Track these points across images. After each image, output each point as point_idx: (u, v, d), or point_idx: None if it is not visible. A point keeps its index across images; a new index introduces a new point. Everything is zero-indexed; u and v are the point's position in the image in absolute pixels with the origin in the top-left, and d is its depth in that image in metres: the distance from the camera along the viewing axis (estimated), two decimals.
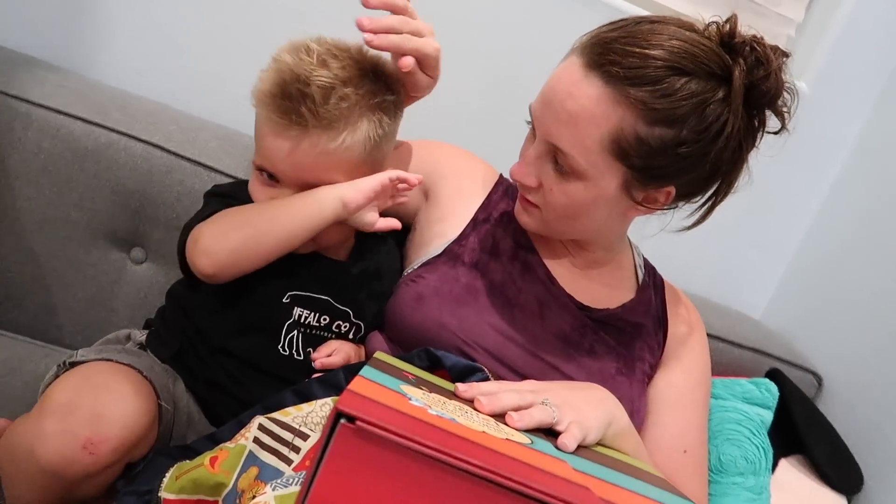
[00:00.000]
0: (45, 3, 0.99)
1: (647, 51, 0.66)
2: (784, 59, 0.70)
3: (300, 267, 0.76)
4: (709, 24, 0.70)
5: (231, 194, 0.78)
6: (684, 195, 0.74)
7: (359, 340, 0.81)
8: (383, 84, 0.72)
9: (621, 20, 0.71)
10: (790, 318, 1.28)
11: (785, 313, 1.30)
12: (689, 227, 0.78)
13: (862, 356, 1.12)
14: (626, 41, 0.67)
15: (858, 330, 1.14)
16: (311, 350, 0.76)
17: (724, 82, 0.67)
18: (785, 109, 0.72)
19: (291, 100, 0.67)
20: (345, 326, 0.79)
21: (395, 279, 0.83)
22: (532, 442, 0.51)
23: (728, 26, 0.68)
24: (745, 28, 0.70)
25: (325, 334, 0.78)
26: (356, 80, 0.69)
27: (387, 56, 0.75)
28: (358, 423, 0.37)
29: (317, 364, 0.75)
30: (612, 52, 0.66)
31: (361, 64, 0.71)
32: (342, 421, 0.38)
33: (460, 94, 1.10)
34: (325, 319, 0.77)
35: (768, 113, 0.72)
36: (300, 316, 0.76)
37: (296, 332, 0.76)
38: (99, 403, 0.59)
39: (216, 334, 0.75)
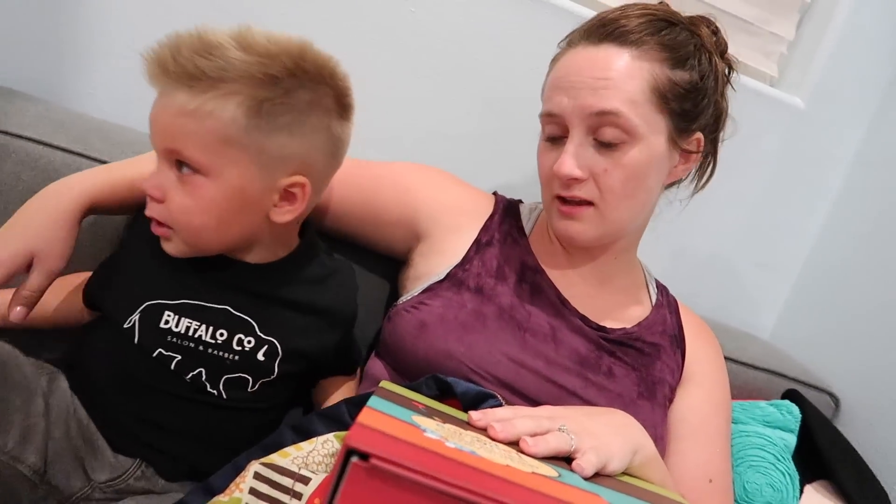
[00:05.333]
0: (24, 35, 0.96)
1: (642, 12, 0.73)
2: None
3: (186, 273, 0.67)
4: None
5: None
6: (706, 140, 0.78)
7: (284, 367, 0.70)
8: (301, 95, 0.62)
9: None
10: (800, 338, 1.24)
11: (794, 333, 1.26)
12: (702, 187, 0.83)
13: (878, 374, 1.08)
14: (619, 13, 0.73)
15: (872, 347, 1.11)
16: (204, 371, 0.67)
17: (694, 34, 0.75)
18: (732, 58, 0.80)
19: (169, 47, 0.60)
20: (248, 342, 0.68)
21: (345, 304, 0.74)
22: (559, 475, 0.47)
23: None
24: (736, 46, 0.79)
25: (221, 353, 0.67)
26: (263, 65, 0.60)
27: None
28: (372, 460, 0.33)
29: None
30: (614, 23, 0.71)
31: (292, 69, 0.61)
32: (354, 458, 0.33)
33: (452, 116, 1.08)
34: (222, 334, 0.67)
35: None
36: (188, 329, 0.67)
37: (181, 345, 0.66)
38: None
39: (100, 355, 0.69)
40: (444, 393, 0.62)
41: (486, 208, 0.83)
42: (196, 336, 0.67)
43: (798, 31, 1.22)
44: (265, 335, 0.68)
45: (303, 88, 0.62)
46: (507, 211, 0.83)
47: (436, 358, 0.70)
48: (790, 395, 1.04)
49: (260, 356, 0.68)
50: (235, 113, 0.60)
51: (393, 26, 1.04)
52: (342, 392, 0.81)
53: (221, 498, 0.54)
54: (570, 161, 0.70)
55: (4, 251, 0.64)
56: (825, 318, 1.22)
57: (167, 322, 0.66)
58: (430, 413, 0.52)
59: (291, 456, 0.56)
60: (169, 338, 0.66)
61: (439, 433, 0.44)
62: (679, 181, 0.83)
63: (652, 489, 0.59)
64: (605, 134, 0.70)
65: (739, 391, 1.03)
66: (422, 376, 0.65)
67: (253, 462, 0.56)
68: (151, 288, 0.67)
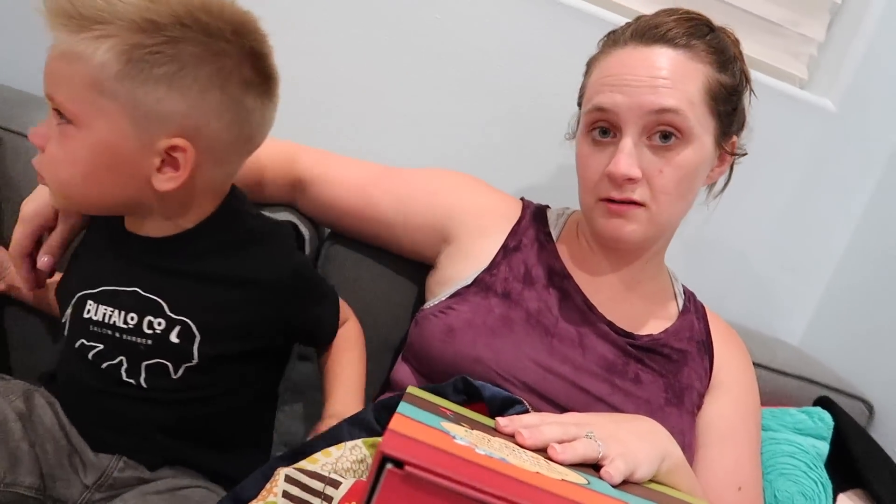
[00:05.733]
0: None
1: (686, 16, 0.74)
2: None
3: (105, 259, 0.66)
4: None
5: None
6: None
7: (208, 349, 0.65)
8: (187, 47, 0.57)
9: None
10: (831, 344, 1.22)
11: (825, 338, 1.24)
12: (720, 192, 0.84)
13: None
14: (663, 17, 0.73)
15: None
16: (124, 359, 0.64)
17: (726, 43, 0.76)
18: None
19: None
20: (158, 324, 0.64)
21: (265, 274, 0.68)
22: (588, 482, 0.47)
23: None
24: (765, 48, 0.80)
25: (135, 338, 0.64)
26: (147, 10, 0.55)
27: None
28: (407, 467, 0.33)
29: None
30: (662, 26, 0.72)
31: (181, 17, 0.56)
32: (389, 466, 0.34)
33: (478, 123, 1.09)
34: (133, 318, 0.64)
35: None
36: (104, 315, 0.64)
37: (101, 333, 0.65)
38: None
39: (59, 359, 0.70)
40: (470, 397, 0.62)
41: (513, 213, 0.84)
42: (111, 322, 0.64)
43: (828, 33, 1.20)
44: (176, 315, 0.64)
45: (191, 41, 0.57)
46: (534, 216, 0.84)
47: (463, 363, 0.70)
48: (822, 402, 1.02)
49: (173, 338, 0.64)
50: (106, 57, 0.55)
51: (418, 34, 1.05)
52: (337, 362, 0.77)
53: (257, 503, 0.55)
54: (627, 160, 0.69)
55: (32, 206, 0.69)
56: (857, 323, 1.19)
57: (88, 311, 0.65)
58: (457, 419, 0.52)
59: (321, 462, 0.57)
60: (91, 327, 0.65)
61: (469, 440, 0.45)
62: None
63: (680, 497, 0.58)
64: (662, 133, 0.70)
65: (769, 398, 1.02)
66: (448, 381, 0.65)
67: (281, 468, 0.57)
68: (80, 280, 0.67)
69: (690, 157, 0.71)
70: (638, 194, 0.71)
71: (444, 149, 1.09)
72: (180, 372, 0.66)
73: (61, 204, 0.64)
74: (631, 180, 0.70)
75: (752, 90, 0.78)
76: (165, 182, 0.61)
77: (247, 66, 0.61)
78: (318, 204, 0.87)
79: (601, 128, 0.73)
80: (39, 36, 0.95)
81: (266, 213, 0.86)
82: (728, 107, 0.73)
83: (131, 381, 0.65)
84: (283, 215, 0.90)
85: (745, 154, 0.81)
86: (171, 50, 0.56)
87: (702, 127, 0.71)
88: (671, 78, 0.69)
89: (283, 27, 1.02)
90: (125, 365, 0.65)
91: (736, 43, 0.77)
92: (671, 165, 0.70)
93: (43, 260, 0.69)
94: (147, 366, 0.65)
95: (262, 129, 0.66)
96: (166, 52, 0.56)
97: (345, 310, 0.81)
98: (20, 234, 0.68)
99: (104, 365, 0.65)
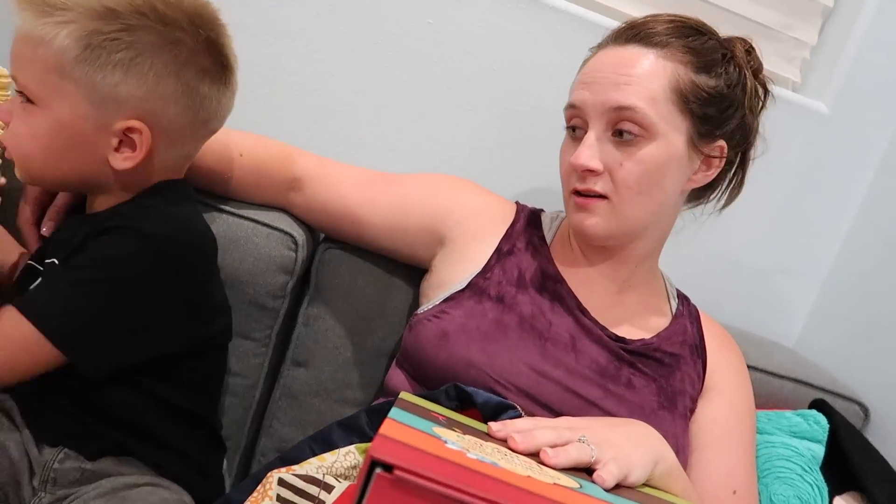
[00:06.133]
0: None
1: (671, 18, 0.75)
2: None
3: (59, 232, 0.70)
4: None
5: None
6: (730, 150, 0.78)
7: None
8: (145, 35, 0.60)
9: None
10: (827, 346, 1.22)
11: (820, 341, 1.24)
12: (728, 202, 0.85)
13: None
14: (649, 18, 0.75)
15: None
16: None
17: (724, 47, 0.76)
18: (768, 82, 0.81)
19: None
20: None
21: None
22: (581, 486, 0.47)
23: None
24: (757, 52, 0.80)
25: None
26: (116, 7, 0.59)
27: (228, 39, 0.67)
28: (396, 471, 0.33)
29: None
30: (642, 26, 0.74)
31: (139, 6, 0.60)
32: (378, 470, 0.34)
33: (471, 127, 1.09)
34: None
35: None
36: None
37: None
38: None
39: None
40: (463, 403, 0.62)
41: (507, 216, 0.84)
42: None
43: (821, 36, 1.21)
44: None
45: (148, 29, 0.60)
46: (528, 219, 0.84)
47: (457, 367, 0.70)
48: (817, 404, 1.01)
49: None
50: (66, 42, 0.58)
51: (411, 38, 1.05)
52: None
53: None
54: (587, 153, 0.72)
55: None
56: (853, 325, 1.19)
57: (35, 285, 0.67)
58: (450, 424, 0.52)
59: (315, 465, 0.57)
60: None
61: (460, 444, 0.45)
62: (706, 198, 0.83)
63: (674, 500, 0.58)
64: (623, 128, 0.71)
65: (765, 401, 1.02)
66: (442, 385, 0.65)
67: (273, 471, 0.57)
68: (37, 252, 0.70)
69: (654, 153, 0.72)
70: (599, 186, 0.73)
71: (438, 153, 1.09)
72: None
73: (24, 179, 0.66)
74: (591, 172, 0.72)
75: (761, 101, 0.79)
76: (122, 161, 0.64)
77: (203, 54, 0.64)
78: (314, 204, 0.87)
79: (575, 124, 0.75)
80: None
81: (256, 215, 0.86)
82: (709, 109, 0.73)
83: None
84: (275, 218, 0.90)
85: (734, 161, 0.80)
86: (128, 37, 0.60)
87: (668, 125, 0.72)
88: (636, 75, 0.71)
89: (277, 34, 1.03)
90: None
91: (744, 52, 0.77)
92: (632, 160, 0.72)
93: (44, 229, 0.72)
94: None
95: (219, 114, 0.70)
96: (123, 39, 0.60)
97: (30, 330, 0.60)
98: (23, 206, 0.72)
99: None
